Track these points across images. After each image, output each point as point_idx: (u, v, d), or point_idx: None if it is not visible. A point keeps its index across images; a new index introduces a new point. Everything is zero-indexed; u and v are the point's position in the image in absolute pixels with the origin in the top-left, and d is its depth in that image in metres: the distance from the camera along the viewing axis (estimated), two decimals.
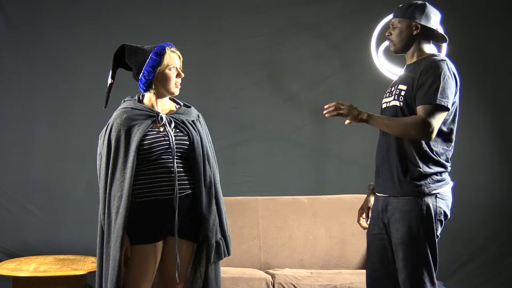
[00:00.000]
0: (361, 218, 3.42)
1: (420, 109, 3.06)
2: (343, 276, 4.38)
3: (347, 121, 3.18)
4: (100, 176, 3.22)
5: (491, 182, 5.63)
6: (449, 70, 3.10)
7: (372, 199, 3.39)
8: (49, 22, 5.30)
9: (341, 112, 3.12)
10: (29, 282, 4.29)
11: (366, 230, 3.38)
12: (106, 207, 3.15)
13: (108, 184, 3.15)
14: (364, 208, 3.41)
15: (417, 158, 3.11)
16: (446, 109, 3.05)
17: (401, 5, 3.24)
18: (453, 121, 3.17)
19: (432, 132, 3.03)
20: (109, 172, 3.15)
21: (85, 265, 4.48)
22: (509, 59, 5.66)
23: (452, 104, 3.10)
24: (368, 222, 3.38)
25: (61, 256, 4.76)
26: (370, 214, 3.38)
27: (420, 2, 3.22)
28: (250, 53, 5.50)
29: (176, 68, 3.24)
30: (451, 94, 3.07)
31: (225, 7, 5.47)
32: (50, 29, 5.30)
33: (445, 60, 3.12)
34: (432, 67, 3.07)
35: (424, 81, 3.06)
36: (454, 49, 5.04)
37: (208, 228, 3.22)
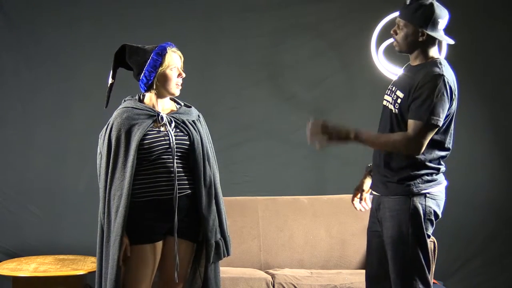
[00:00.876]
0: (355, 198, 3.44)
1: (410, 123, 3.06)
2: (343, 276, 4.38)
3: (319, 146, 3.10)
4: (100, 176, 3.22)
5: (491, 182, 5.63)
6: (445, 85, 3.04)
7: (367, 181, 3.39)
8: (49, 22, 5.29)
9: (330, 138, 3.07)
10: (29, 282, 4.29)
11: (366, 230, 3.39)
12: (106, 206, 3.16)
13: (108, 184, 3.15)
14: (358, 189, 3.43)
15: (407, 162, 3.12)
16: (435, 126, 3.04)
17: (408, 3, 3.12)
18: (446, 130, 3.14)
19: (420, 148, 3.05)
20: (109, 171, 3.15)
21: (85, 265, 4.48)
22: (509, 59, 5.66)
23: (446, 117, 3.08)
24: (364, 206, 3.42)
25: (61, 256, 4.76)
26: (364, 196, 3.41)
27: (428, 4, 3.09)
28: (250, 53, 5.49)
29: (177, 68, 3.24)
30: (443, 111, 3.03)
31: (225, 7, 5.47)
32: (50, 29, 5.29)
33: (443, 75, 3.05)
34: (428, 82, 3.03)
35: (418, 94, 3.04)
36: (454, 49, 5.03)
37: (208, 228, 3.22)
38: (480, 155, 5.64)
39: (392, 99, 3.18)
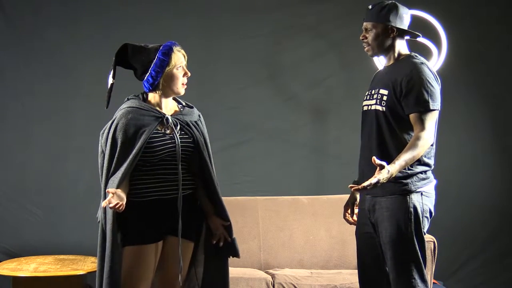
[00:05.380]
0: (347, 214, 3.46)
1: (414, 117, 3.10)
2: (343, 276, 4.38)
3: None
4: (102, 174, 3.18)
5: (491, 182, 5.63)
6: (430, 71, 3.17)
7: (357, 195, 3.43)
8: (49, 22, 5.29)
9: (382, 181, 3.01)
10: (29, 282, 4.29)
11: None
12: None
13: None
14: (349, 204, 3.46)
15: None
16: (437, 111, 3.12)
17: (371, 7, 3.24)
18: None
19: (433, 136, 3.14)
20: (111, 171, 3.11)
21: (85, 265, 4.48)
22: (510, 58, 5.67)
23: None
24: (354, 219, 3.43)
25: (61, 256, 4.75)
26: (355, 210, 3.43)
27: (391, 2, 3.24)
28: (250, 53, 5.49)
29: (183, 67, 3.21)
30: (439, 94, 3.14)
31: (225, 7, 5.47)
32: (50, 28, 5.29)
33: (424, 63, 3.19)
34: (414, 73, 3.11)
35: (410, 88, 3.10)
36: (456, 49, 5.04)
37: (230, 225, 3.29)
38: (480, 155, 5.64)
39: (376, 99, 3.21)
